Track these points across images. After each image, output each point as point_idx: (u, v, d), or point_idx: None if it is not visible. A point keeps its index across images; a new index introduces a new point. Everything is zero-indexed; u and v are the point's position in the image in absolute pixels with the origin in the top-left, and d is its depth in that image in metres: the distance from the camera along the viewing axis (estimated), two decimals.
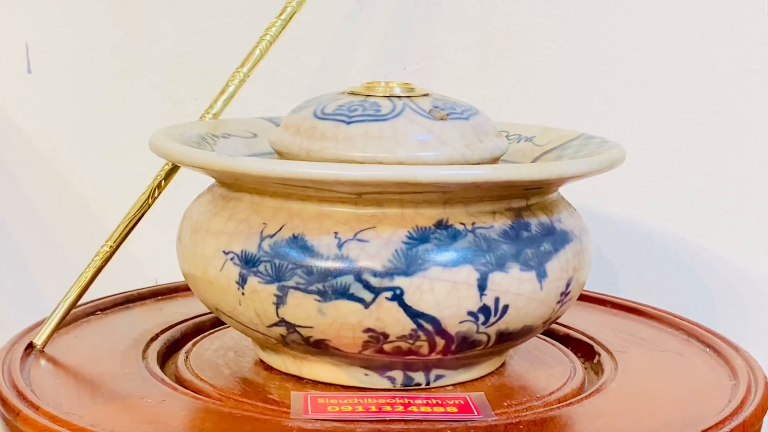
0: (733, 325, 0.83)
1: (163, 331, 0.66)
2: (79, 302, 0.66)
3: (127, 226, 0.65)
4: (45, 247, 0.89)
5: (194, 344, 0.65)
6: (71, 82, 0.87)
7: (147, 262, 0.89)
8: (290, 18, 0.72)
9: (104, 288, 0.70)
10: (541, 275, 0.55)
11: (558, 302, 0.57)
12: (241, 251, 0.55)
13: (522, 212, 0.56)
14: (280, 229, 0.54)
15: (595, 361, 0.65)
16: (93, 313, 0.69)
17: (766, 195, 0.80)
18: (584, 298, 0.74)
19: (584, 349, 0.66)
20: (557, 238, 0.57)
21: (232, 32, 0.87)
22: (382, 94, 0.59)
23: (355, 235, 0.53)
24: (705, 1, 0.79)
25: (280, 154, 0.61)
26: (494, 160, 0.60)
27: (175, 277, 0.69)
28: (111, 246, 0.65)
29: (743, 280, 0.83)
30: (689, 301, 0.84)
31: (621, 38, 0.82)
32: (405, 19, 0.86)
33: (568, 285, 0.57)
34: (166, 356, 0.65)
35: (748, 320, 0.83)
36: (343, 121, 0.58)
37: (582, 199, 0.75)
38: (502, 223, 0.55)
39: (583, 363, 0.65)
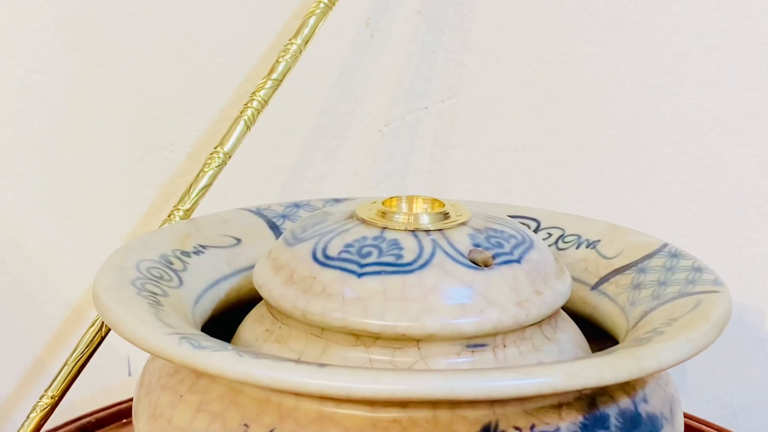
0: None
1: None
2: None
3: (71, 370, 0.50)
4: None
5: None
6: (19, 127, 0.71)
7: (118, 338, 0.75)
8: (283, 76, 0.57)
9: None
10: None
11: None
12: None
13: (597, 399, 0.41)
14: None
15: None
16: None
17: None
18: None
19: None
20: (645, 430, 0.42)
21: (217, 63, 0.70)
22: (403, 227, 0.44)
23: None
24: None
25: (268, 305, 0.46)
26: (555, 314, 0.45)
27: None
28: (53, 396, 0.50)
29: None
30: None
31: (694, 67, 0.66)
32: (427, 49, 0.70)
33: None
34: None
35: None
36: (353, 272, 0.43)
37: None
38: (571, 420, 0.40)
39: None
